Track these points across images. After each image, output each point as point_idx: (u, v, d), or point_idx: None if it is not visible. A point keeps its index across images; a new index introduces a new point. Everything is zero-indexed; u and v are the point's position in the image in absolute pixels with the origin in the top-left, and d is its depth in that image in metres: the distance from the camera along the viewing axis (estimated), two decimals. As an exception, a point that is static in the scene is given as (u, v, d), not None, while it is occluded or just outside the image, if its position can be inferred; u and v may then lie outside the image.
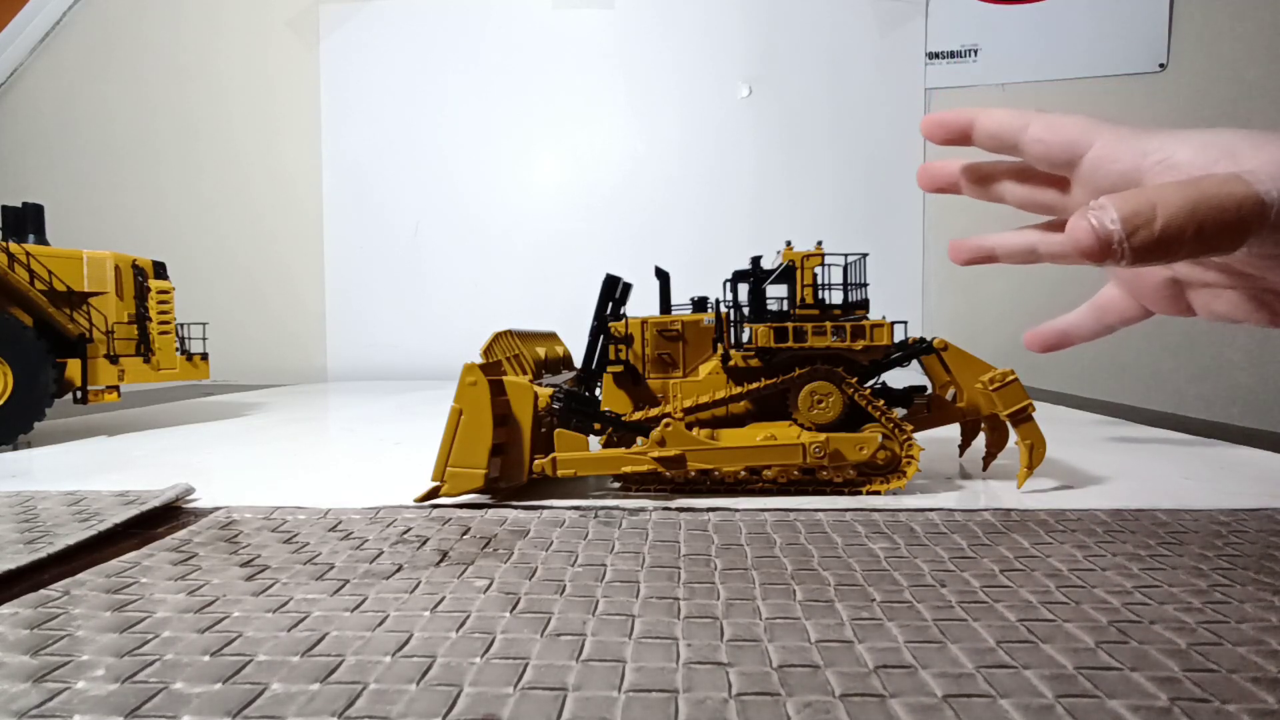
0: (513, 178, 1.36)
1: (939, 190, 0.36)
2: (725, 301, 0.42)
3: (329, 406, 0.91)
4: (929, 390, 0.43)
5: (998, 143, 0.31)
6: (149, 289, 0.68)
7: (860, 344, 0.39)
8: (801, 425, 0.39)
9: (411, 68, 1.36)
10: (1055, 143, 0.29)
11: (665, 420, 0.38)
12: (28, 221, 0.64)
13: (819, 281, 0.40)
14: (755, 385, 0.40)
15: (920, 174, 0.36)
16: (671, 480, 0.39)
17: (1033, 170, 0.33)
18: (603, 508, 0.36)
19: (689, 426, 0.39)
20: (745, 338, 0.42)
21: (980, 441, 0.45)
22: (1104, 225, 0.23)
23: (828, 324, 0.39)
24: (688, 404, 0.41)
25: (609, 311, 0.43)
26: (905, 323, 0.41)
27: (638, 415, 0.40)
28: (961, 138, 0.33)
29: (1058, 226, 0.35)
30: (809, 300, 0.40)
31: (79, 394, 0.63)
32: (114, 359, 0.64)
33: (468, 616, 0.23)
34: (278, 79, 1.38)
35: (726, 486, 0.39)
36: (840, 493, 0.39)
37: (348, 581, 0.26)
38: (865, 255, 0.41)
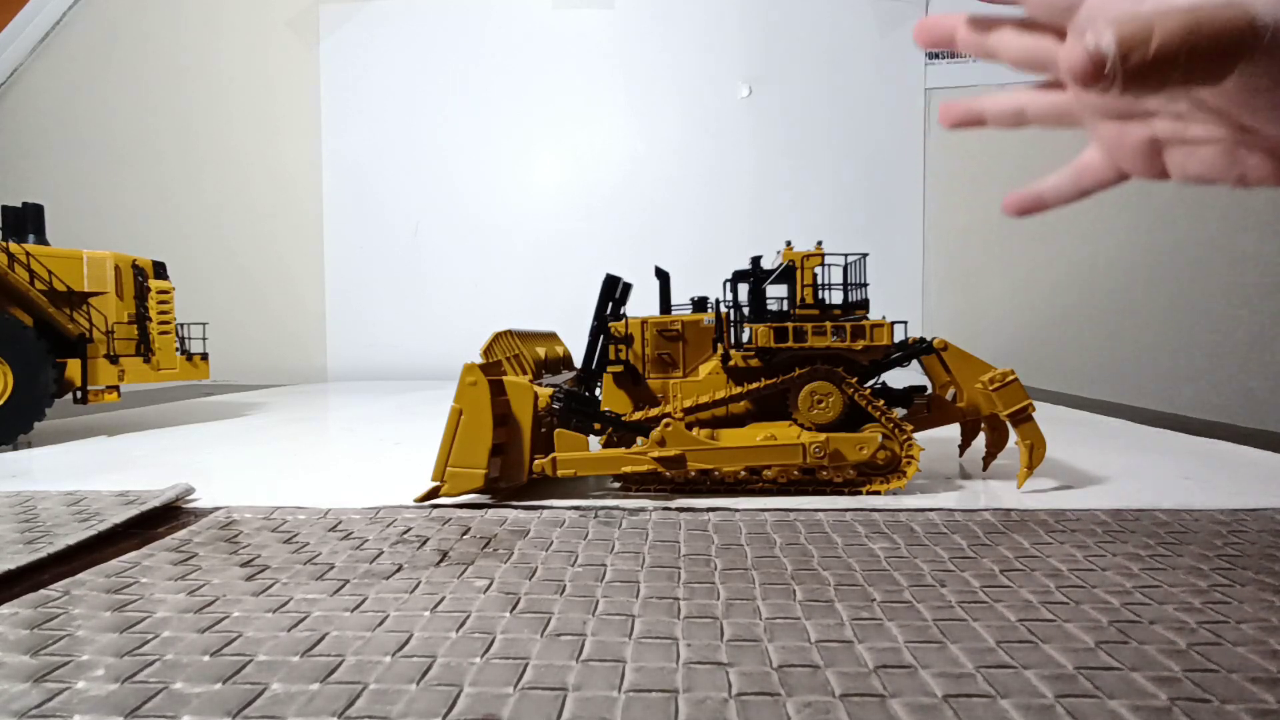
0: (513, 178, 1.36)
1: (935, 45, 0.34)
2: (725, 301, 0.42)
3: (329, 406, 0.91)
4: (929, 390, 0.43)
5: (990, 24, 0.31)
6: (149, 289, 0.68)
7: (860, 344, 0.39)
8: (801, 425, 0.39)
9: (411, 68, 1.36)
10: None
11: (665, 420, 0.38)
12: (28, 221, 0.64)
13: (819, 281, 0.40)
14: (755, 385, 0.40)
15: (918, 31, 0.34)
16: (671, 480, 0.39)
17: (1032, 24, 0.32)
18: (603, 508, 0.36)
19: (689, 426, 0.39)
20: (745, 338, 0.42)
21: (980, 441, 0.45)
22: (1099, 47, 0.22)
23: (828, 324, 0.39)
24: (688, 404, 0.41)
25: (609, 311, 0.43)
26: (905, 323, 0.41)
27: (638, 415, 0.40)
28: (946, 41, 0.32)
29: (1048, 87, 0.34)
30: (809, 300, 0.40)
31: (79, 394, 0.63)
32: (114, 359, 0.64)
33: (468, 616, 0.23)
34: (278, 79, 1.38)
35: (726, 486, 0.39)
36: (840, 493, 0.39)
37: (348, 581, 0.26)
38: (865, 255, 0.41)
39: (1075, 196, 0.37)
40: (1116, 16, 0.23)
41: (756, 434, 0.39)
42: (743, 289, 0.42)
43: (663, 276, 0.45)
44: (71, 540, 0.30)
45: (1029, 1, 0.30)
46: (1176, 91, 0.24)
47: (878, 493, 0.38)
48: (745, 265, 0.42)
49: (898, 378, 0.44)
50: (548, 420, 0.41)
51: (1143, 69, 0.22)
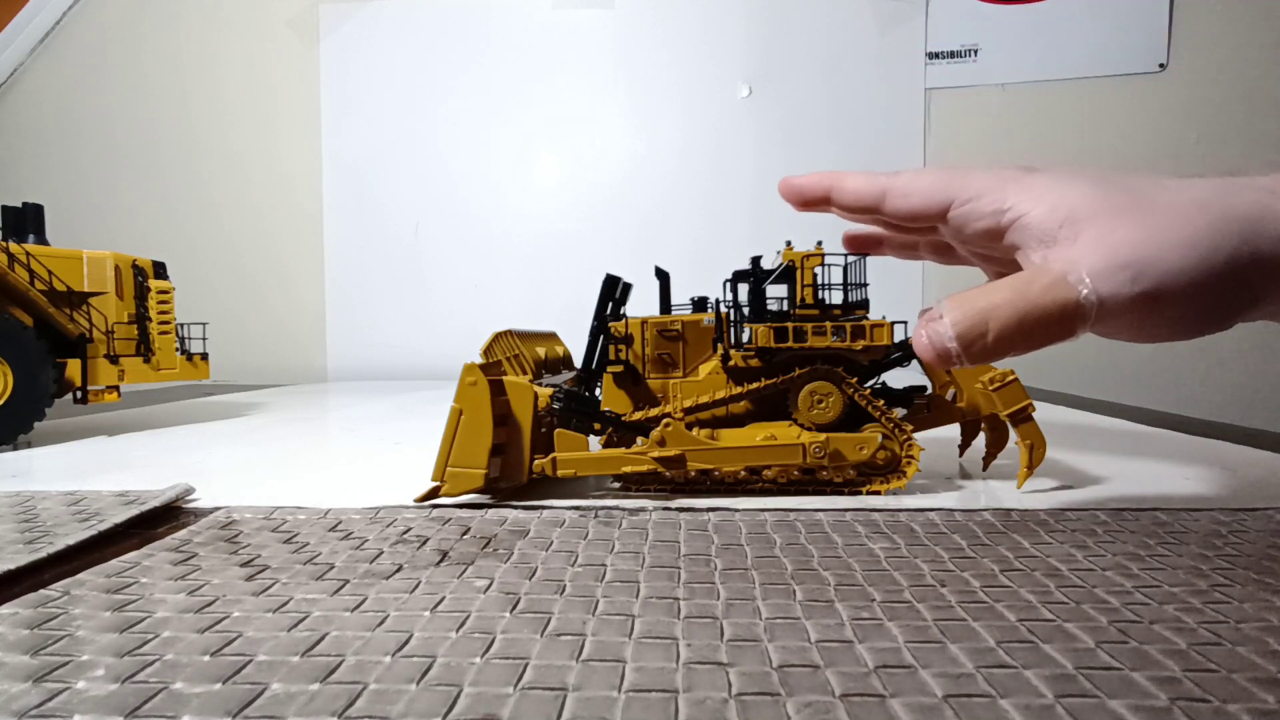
0: (513, 178, 1.36)
1: (807, 209, 0.36)
2: (725, 301, 0.42)
3: (329, 406, 0.91)
4: (929, 390, 0.43)
5: (859, 209, 0.32)
6: (149, 289, 0.68)
7: (860, 344, 0.39)
8: (801, 425, 0.39)
9: (411, 68, 1.36)
10: (916, 205, 0.30)
11: (665, 420, 0.38)
12: (28, 221, 0.64)
13: (819, 281, 0.40)
14: (755, 385, 0.40)
15: (783, 189, 0.35)
16: (671, 480, 0.39)
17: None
18: (603, 508, 0.36)
19: (689, 426, 0.39)
20: (745, 338, 0.42)
21: (980, 441, 0.45)
22: (942, 343, 0.25)
23: (828, 324, 0.39)
24: (688, 404, 0.41)
25: (609, 311, 0.43)
26: (905, 323, 0.41)
27: (638, 415, 0.40)
28: (820, 204, 0.34)
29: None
30: (809, 300, 0.40)
31: (79, 394, 0.63)
32: (114, 359, 0.64)
33: (468, 616, 0.23)
34: (278, 79, 1.38)
35: (726, 486, 0.39)
36: (840, 493, 0.39)
37: (348, 581, 0.26)
38: (865, 255, 0.41)
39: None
40: (955, 308, 0.25)
41: (756, 434, 0.39)
42: (743, 289, 0.42)
43: (663, 276, 0.45)
44: (71, 540, 0.30)
45: (892, 216, 0.32)
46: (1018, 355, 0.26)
47: (878, 493, 0.38)
48: (745, 265, 0.42)
49: (898, 378, 0.44)
50: (548, 420, 0.41)
51: (984, 352, 0.25)
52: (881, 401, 0.39)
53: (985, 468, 0.44)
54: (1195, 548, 0.29)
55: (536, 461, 0.38)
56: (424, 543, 0.31)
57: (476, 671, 0.19)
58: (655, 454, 0.38)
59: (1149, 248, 0.24)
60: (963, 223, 0.29)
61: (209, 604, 0.24)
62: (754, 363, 0.40)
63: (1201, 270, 0.24)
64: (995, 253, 0.31)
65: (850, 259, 0.41)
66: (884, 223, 0.34)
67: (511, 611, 0.23)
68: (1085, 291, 0.24)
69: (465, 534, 0.32)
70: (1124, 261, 0.24)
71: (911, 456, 0.39)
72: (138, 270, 0.67)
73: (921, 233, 0.33)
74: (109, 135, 1.41)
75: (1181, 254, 0.24)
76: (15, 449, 0.57)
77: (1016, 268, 0.29)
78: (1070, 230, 0.25)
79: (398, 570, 0.27)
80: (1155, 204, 0.25)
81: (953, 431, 0.46)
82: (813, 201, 0.34)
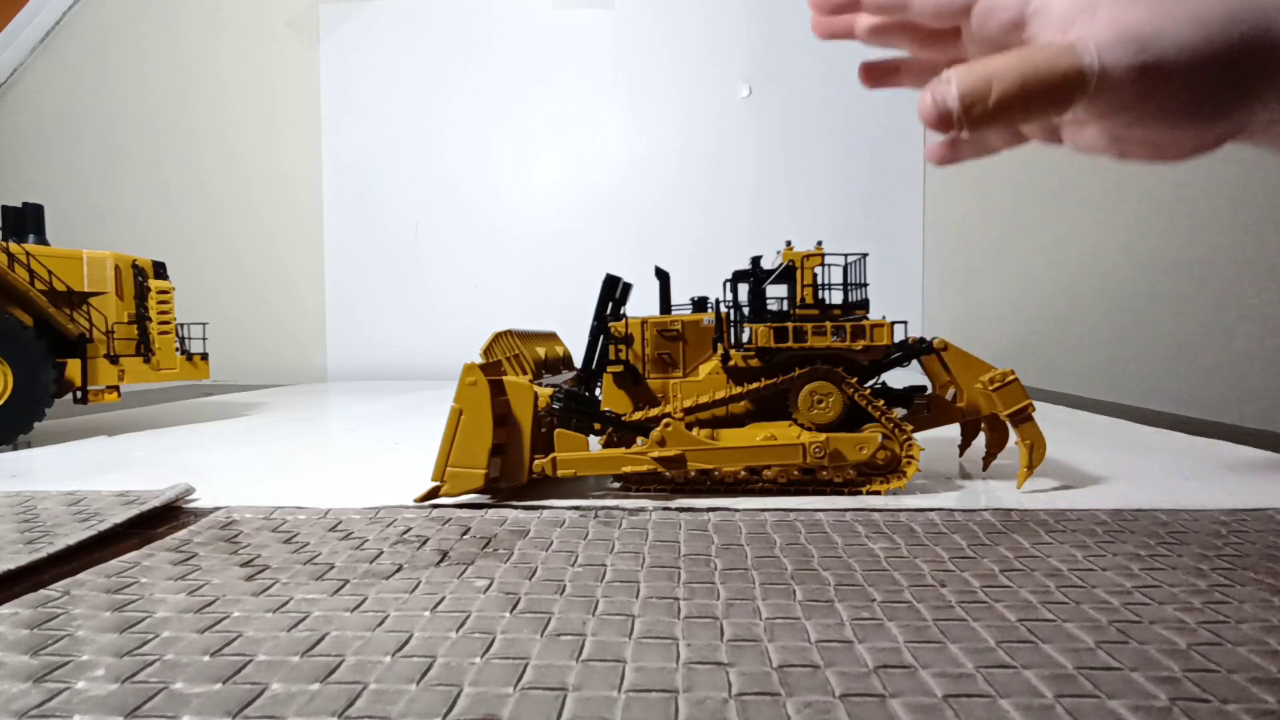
0: (513, 178, 1.36)
1: (832, 36, 0.35)
2: (725, 301, 0.42)
3: (329, 406, 0.91)
4: (929, 390, 0.43)
5: (886, 8, 0.32)
6: (149, 289, 0.68)
7: (860, 344, 0.39)
8: (801, 425, 0.39)
9: (411, 68, 1.36)
10: (943, 3, 0.30)
11: (665, 420, 0.38)
12: (28, 221, 0.64)
13: (819, 281, 0.40)
14: (755, 385, 0.40)
15: (813, 20, 0.35)
16: (671, 480, 0.39)
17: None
18: (603, 508, 0.36)
19: (689, 426, 0.39)
20: (745, 338, 0.42)
21: (980, 441, 0.45)
22: (944, 101, 0.26)
23: (828, 324, 0.39)
24: (688, 404, 0.41)
25: (609, 311, 0.43)
26: (905, 323, 0.41)
27: (638, 415, 0.40)
28: (849, 6, 0.33)
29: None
30: (809, 300, 0.40)
31: (79, 394, 0.63)
32: (114, 359, 0.64)
33: (468, 616, 0.23)
34: (278, 79, 1.38)
35: (726, 486, 0.39)
36: (840, 493, 0.39)
37: (348, 581, 0.26)
38: (865, 255, 0.41)
39: (983, 152, 0.39)
40: (962, 70, 0.26)
41: (756, 434, 0.39)
42: (743, 289, 0.42)
43: (663, 276, 0.45)
44: (71, 540, 0.30)
45: (919, 13, 0.31)
46: (1018, 124, 0.27)
47: (878, 493, 0.38)
48: (745, 265, 0.42)
49: (898, 378, 0.44)
50: (548, 420, 0.41)
51: (984, 116, 0.25)
52: (881, 401, 0.39)
53: (985, 468, 0.44)
54: (1195, 548, 0.29)
55: (536, 461, 0.38)
56: (424, 543, 0.31)
57: (476, 671, 0.19)
58: (655, 454, 0.38)
59: (1156, 24, 0.25)
60: (987, 16, 0.29)
61: (209, 604, 0.24)
62: (754, 363, 0.40)
63: (1206, 47, 0.24)
64: (1013, 46, 0.30)
65: (850, 259, 0.41)
66: (906, 38, 0.34)
67: (511, 611, 0.23)
68: (1089, 59, 0.25)
69: (465, 534, 0.32)
70: (1131, 34, 0.25)
71: (911, 456, 0.39)
72: (138, 270, 0.67)
73: (943, 46, 0.33)
74: (109, 135, 1.41)
75: (1191, 29, 0.25)
76: (15, 449, 0.57)
77: None
78: (1089, 14, 0.26)
79: (398, 570, 0.27)
80: None
81: (953, 431, 0.46)
82: (841, 6, 0.33)
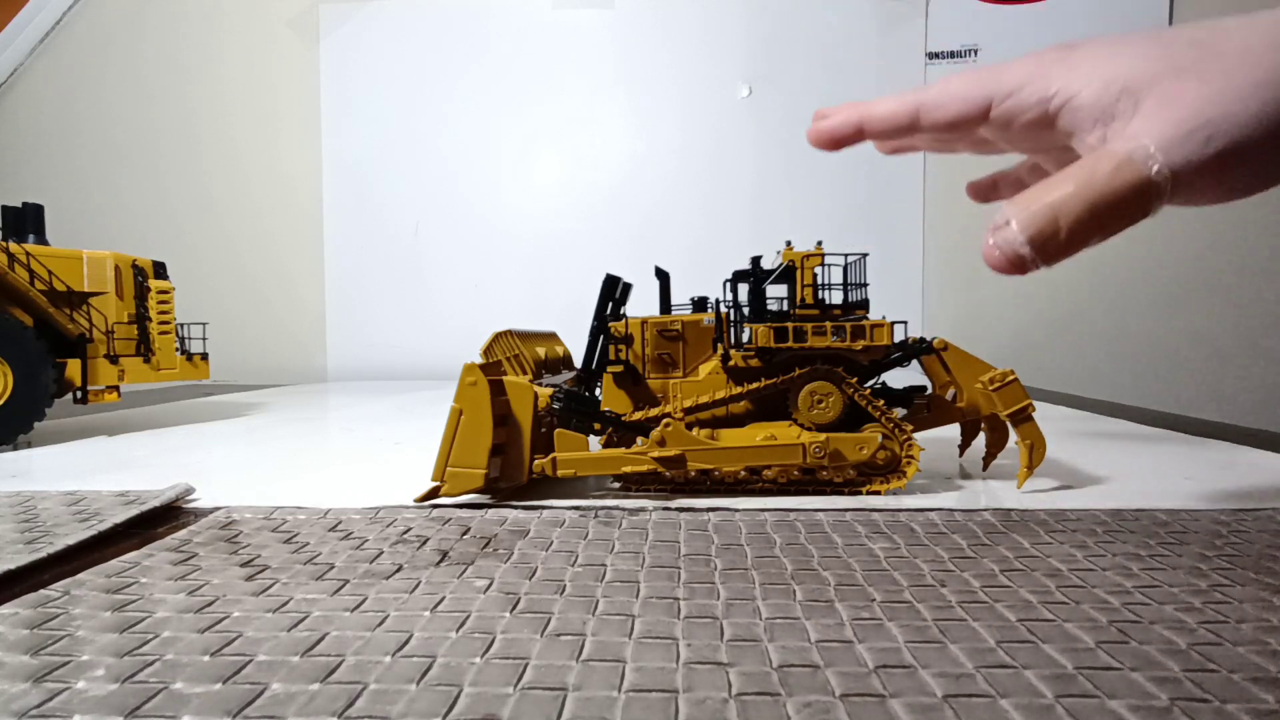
0: (513, 178, 1.36)
1: (838, 148, 0.34)
2: (725, 301, 0.42)
3: (329, 406, 0.91)
4: (929, 390, 0.43)
5: (894, 133, 0.30)
6: (149, 289, 0.68)
7: (860, 344, 0.39)
8: (801, 425, 0.39)
9: (411, 68, 1.36)
10: (954, 113, 0.28)
11: (665, 420, 0.38)
12: (28, 221, 0.64)
13: (819, 281, 0.40)
14: (755, 385, 0.40)
15: (813, 135, 0.33)
16: (671, 480, 0.39)
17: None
18: (603, 508, 0.36)
19: (689, 426, 0.39)
20: (745, 338, 0.42)
21: (980, 441, 0.45)
22: (1014, 250, 0.23)
23: (828, 324, 0.39)
24: (688, 404, 0.41)
25: (609, 311, 0.43)
26: (905, 323, 0.41)
27: (638, 415, 0.40)
28: (853, 140, 0.32)
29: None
30: (809, 300, 0.40)
31: (79, 394, 0.63)
32: (114, 359, 0.64)
33: (468, 616, 0.23)
34: (278, 79, 1.38)
35: (726, 486, 0.39)
36: (840, 493, 0.39)
37: (348, 581, 0.26)
38: (865, 255, 0.41)
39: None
40: (1020, 210, 0.24)
41: (756, 434, 0.39)
42: (743, 289, 0.42)
43: (663, 276, 0.45)
44: (71, 540, 0.30)
45: (931, 129, 0.30)
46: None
47: (878, 493, 0.38)
48: (745, 265, 0.42)
49: (898, 378, 0.44)
50: (548, 420, 0.41)
51: (1059, 250, 0.23)
52: (881, 401, 0.39)
53: (985, 468, 0.44)
54: (1195, 548, 0.29)
55: (536, 461, 0.38)
56: (424, 543, 0.31)
57: (476, 671, 0.19)
58: (655, 454, 0.38)
59: (1219, 103, 0.22)
60: (1007, 120, 0.27)
61: (209, 604, 0.24)
62: (754, 363, 0.40)
63: (1278, 110, 0.22)
64: (1045, 143, 0.28)
65: (850, 259, 0.41)
66: (918, 143, 0.32)
67: (511, 611, 0.23)
68: (1156, 167, 0.22)
69: (465, 534, 0.32)
70: (1194, 125, 0.22)
71: (911, 456, 0.39)
72: (138, 270, 0.67)
73: (960, 135, 0.31)
74: (109, 135, 1.41)
75: (1258, 100, 0.22)
76: (15, 449, 0.57)
77: (1073, 155, 0.26)
78: (1129, 102, 0.23)
79: (398, 570, 0.27)
80: (1220, 52, 0.23)
81: (953, 431, 0.46)
82: (844, 140, 0.32)
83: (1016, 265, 0.24)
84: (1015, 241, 0.23)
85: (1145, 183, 0.22)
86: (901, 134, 0.31)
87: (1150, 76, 0.23)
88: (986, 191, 0.37)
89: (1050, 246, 0.23)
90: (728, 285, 0.42)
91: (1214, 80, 0.22)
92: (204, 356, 0.74)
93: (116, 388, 0.65)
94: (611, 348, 0.42)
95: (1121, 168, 0.23)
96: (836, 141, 0.32)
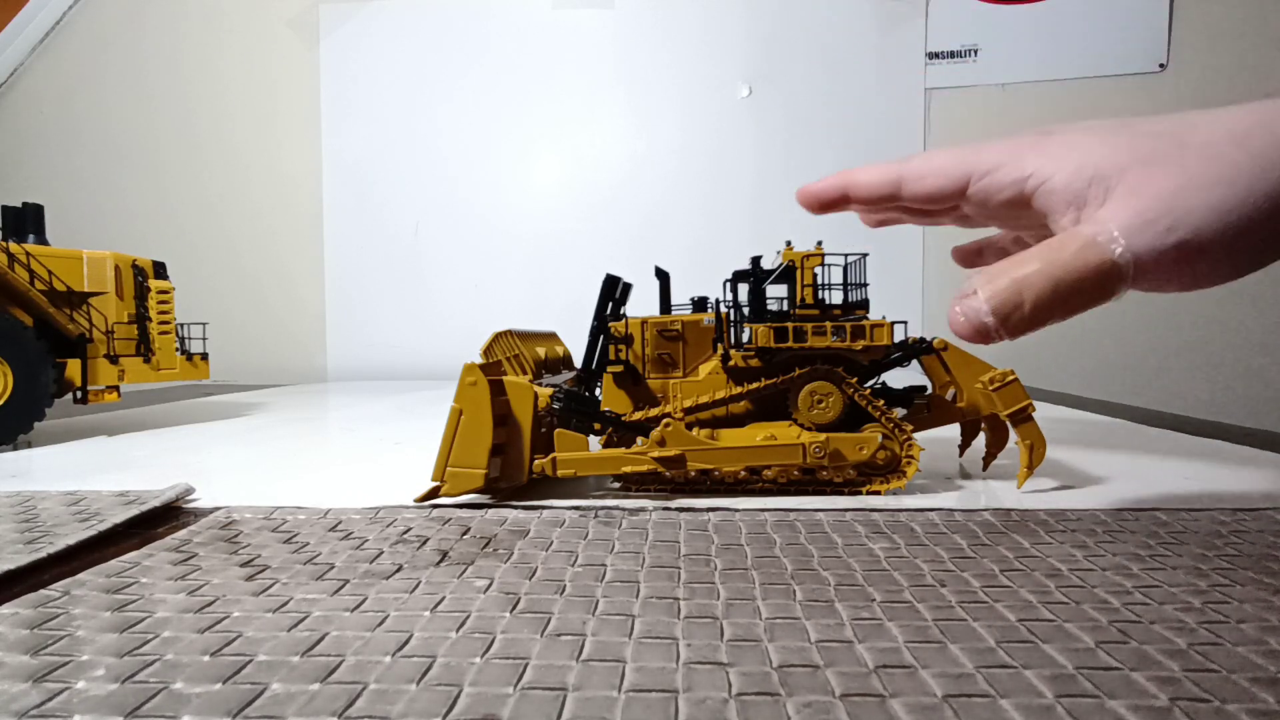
0: (513, 178, 1.36)
1: (826, 212, 0.35)
2: (725, 301, 0.42)
3: (329, 406, 0.91)
4: (929, 390, 0.43)
5: (877, 201, 0.32)
6: (149, 289, 0.68)
7: (860, 344, 0.39)
8: (801, 425, 0.39)
9: (411, 68, 1.36)
10: (932, 187, 0.29)
11: (665, 420, 0.38)
12: (28, 221, 0.64)
13: (819, 281, 0.40)
14: (755, 385, 0.40)
15: (803, 199, 0.35)
16: (671, 480, 0.39)
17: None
18: (603, 508, 0.36)
19: (689, 426, 0.39)
20: (745, 338, 0.42)
21: (980, 441, 0.45)
22: (979, 319, 0.24)
23: (828, 324, 0.39)
24: (688, 404, 0.41)
25: (609, 311, 0.43)
26: (905, 323, 0.41)
27: (638, 415, 0.40)
28: (839, 205, 0.33)
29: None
30: (809, 300, 0.40)
31: (79, 394, 0.63)
32: (114, 359, 0.64)
33: (468, 616, 0.23)
34: (278, 79, 1.38)
35: (726, 486, 0.39)
36: (840, 493, 0.39)
37: (348, 581, 0.26)
38: (865, 255, 0.41)
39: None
40: (987, 283, 0.24)
41: (756, 434, 0.39)
42: (743, 289, 0.42)
43: (663, 276, 0.45)
44: (71, 540, 0.30)
45: (911, 201, 0.31)
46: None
47: (878, 493, 0.38)
48: (745, 265, 0.42)
49: (898, 378, 0.44)
50: (548, 420, 0.41)
51: (1023, 324, 0.24)
52: (881, 401, 0.39)
53: (985, 468, 0.44)
54: (1195, 548, 0.29)
55: (536, 461, 0.38)
56: (424, 543, 0.31)
57: (476, 671, 0.19)
58: (655, 454, 0.38)
59: (1183, 195, 0.23)
60: (984, 197, 0.28)
61: (209, 604, 0.24)
62: (754, 363, 0.40)
63: (1242, 209, 0.22)
64: (1024, 220, 0.30)
65: (850, 259, 0.41)
66: (900, 214, 0.34)
67: (511, 611, 0.23)
68: (1119, 250, 0.23)
69: (465, 534, 0.32)
70: (1156, 214, 0.23)
71: (911, 456, 0.39)
72: (138, 270, 0.67)
73: (942, 210, 0.32)
74: (109, 135, 1.41)
75: (1220, 195, 0.23)
76: (15, 449, 0.57)
77: (1049, 232, 0.27)
78: (1099, 189, 0.24)
79: (398, 570, 0.27)
80: (1186, 145, 0.24)
81: (953, 431, 0.46)
82: (831, 204, 0.33)
83: (981, 334, 0.25)
84: (980, 311, 0.24)
85: (1108, 265, 0.23)
86: (884, 202, 0.32)
87: (1119, 165, 0.24)
88: (971, 257, 0.39)
89: (1014, 319, 0.24)
90: (728, 285, 0.42)
91: (1177, 174, 0.23)
92: (204, 356, 0.74)
93: (116, 388, 0.65)
94: (611, 348, 0.42)
95: (1086, 249, 0.24)
96: (823, 204, 0.33)
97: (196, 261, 1.36)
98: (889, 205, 0.33)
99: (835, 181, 0.33)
